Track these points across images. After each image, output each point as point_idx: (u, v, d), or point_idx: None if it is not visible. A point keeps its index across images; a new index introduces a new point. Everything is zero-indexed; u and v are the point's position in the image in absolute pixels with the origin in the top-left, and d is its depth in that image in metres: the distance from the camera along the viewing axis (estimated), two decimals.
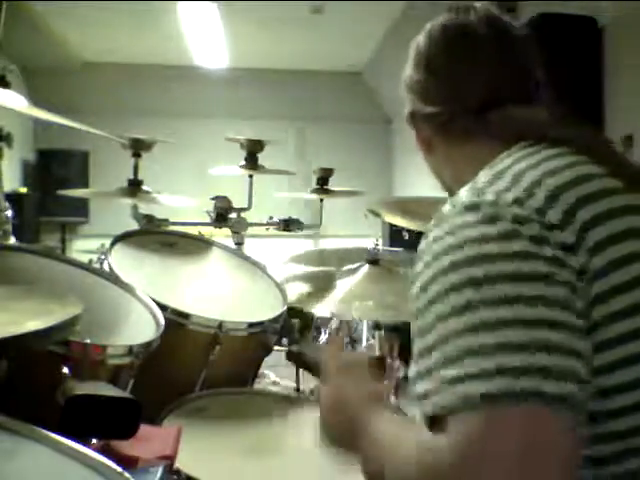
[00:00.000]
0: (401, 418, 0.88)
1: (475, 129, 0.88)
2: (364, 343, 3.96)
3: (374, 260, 1.88)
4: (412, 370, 0.73)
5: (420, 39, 0.95)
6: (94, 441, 0.99)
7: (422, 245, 0.74)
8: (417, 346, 0.71)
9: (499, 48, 0.91)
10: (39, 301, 0.99)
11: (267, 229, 2.47)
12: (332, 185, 2.55)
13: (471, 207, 0.70)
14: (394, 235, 4.76)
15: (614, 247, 0.68)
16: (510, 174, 0.73)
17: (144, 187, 2.01)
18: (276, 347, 1.69)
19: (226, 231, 2.26)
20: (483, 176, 0.76)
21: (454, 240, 0.69)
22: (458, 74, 0.92)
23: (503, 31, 0.92)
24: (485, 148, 0.85)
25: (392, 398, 1.52)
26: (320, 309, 1.75)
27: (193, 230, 2.09)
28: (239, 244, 2.25)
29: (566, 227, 0.67)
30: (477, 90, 0.90)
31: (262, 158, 2.38)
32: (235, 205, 2.26)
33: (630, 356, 0.66)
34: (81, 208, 6.27)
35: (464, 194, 0.74)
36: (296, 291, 1.79)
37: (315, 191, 2.52)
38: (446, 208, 0.74)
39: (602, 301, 0.66)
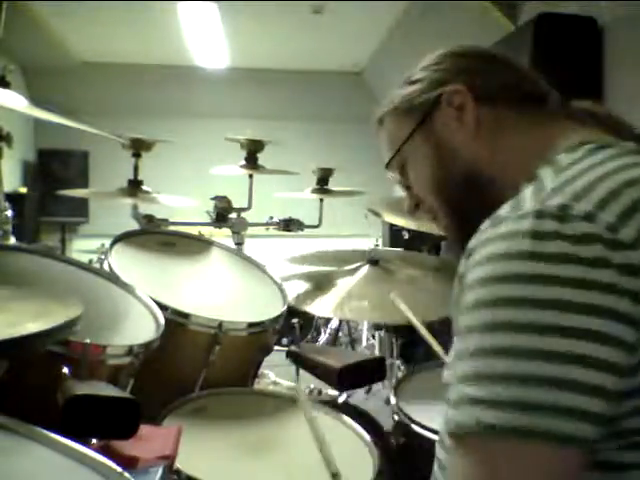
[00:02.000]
0: None
1: (552, 109, 0.85)
2: (364, 343, 3.96)
3: (374, 260, 1.88)
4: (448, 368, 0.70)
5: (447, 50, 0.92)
6: (94, 441, 0.99)
7: (473, 242, 0.69)
8: (456, 346, 0.68)
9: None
10: (39, 302, 0.99)
11: (267, 229, 2.47)
12: (332, 185, 2.55)
13: (530, 215, 0.64)
14: (394, 235, 4.77)
15: None
16: (583, 181, 0.67)
17: (144, 187, 2.01)
18: (276, 347, 1.69)
19: (226, 231, 2.26)
20: (549, 179, 0.70)
21: (503, 248, 0.64)
22: (519, 64, 0.90)
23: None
24: (557, 134, 0.81)
25: (392, 398, 1.52)
26: (319, 309, 1.75)
27: (193, 230, 2.08)
28: (239, 244, 2.25)
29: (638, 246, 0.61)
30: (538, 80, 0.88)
31: (262, 158, 2.38)
32: (235, 205, 2.26)
33: None
34: (81, 208, 6.27)
35: (528, 197, 0.68)
36: (296, 291, 1.79)
37: (315, 191, 2.52)
38: (504, 208, 0.69)
39: None
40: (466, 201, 0.87)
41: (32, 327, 0.85)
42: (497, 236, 0.65)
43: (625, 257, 0.60)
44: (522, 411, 0.58)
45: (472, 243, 0.69)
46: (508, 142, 0.84)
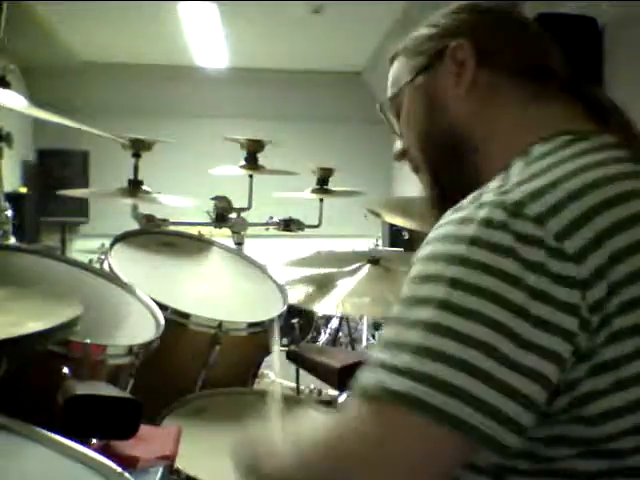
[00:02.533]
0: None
1: (556, 87, 0.80)
2: (364, 343, 3.96)
3: (374, 260, 1.88)
4: None
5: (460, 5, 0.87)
6: (94, 441, 0.99)
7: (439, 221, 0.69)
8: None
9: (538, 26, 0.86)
10: (40, 301, 0.99)
11: (267, 229, 2.47)
12: (332, 185, 2.55)
13: (486, 205, 0.64)
14: (394, 235, 4.77)
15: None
16: (546, 179, 0.66)
17: (144, 187, 2.01)
18: None
19: (226, 231, 2.26)
20: (517, 172, 0.69)
21: (450, 230, 0.65)
22: (530, 31, 0.85)
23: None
24: (555, 114, 0.78)
25: None
26: (321, 307, 1.75)
27: (193, 230, 2.09)
28: (239, 244, 2.25)
29: (582, 261, 0.60)
30: (554, 55, 0.84)
31: (262, 158, 2.38)
32: (235, 205, 2.26)
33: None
34: (81, 208, 6.26)
35: (491, 188, 0.68)
36: (297, 292, 1.79)
37: (315, 191, 2.52)
38: (470, 196, 0.69)
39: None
40: (445, 163, 0.85)
41: (33, 327, 0.85)
42: (450, 221, 0.66)
43: (564, 269, 0.60)
44: (429, 386, 0.59)
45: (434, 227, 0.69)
46: (498, 112, 0.81)
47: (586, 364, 0.61)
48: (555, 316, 0.60)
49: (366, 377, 0.64)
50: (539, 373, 0.59)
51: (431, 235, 0.67)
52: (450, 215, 0.67)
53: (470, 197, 0.68)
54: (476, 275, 0.61)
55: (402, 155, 0.93)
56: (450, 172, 0.84)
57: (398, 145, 0.94)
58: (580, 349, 0.60)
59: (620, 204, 0.64)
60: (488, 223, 0.62)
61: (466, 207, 0.66)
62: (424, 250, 0.67)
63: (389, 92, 0.92)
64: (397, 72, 0.91)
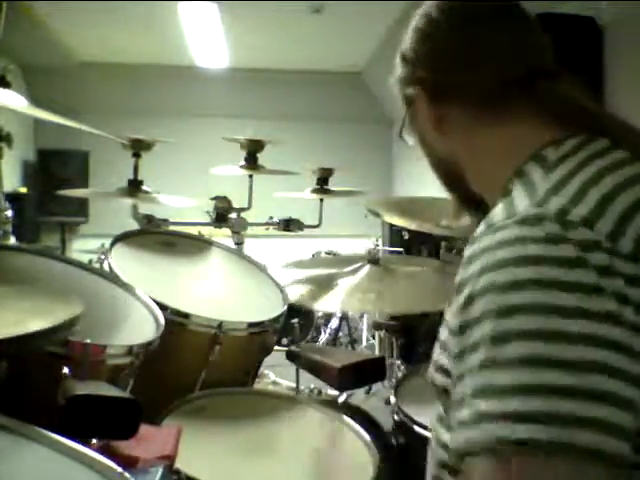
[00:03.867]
0: None
1: (519, 104, 0.76)
2: (364, 343, 3.97)
3: (374, 260, 1.88)
4: (454, 394, 0.64)
5: (427, 11, 0.85)
6: (94, 441, 0.99)
7: (469, 251, 0.65)
8: (457, 367, 0.63)
9: (525, 16, 0.81)
10: (40, 301, 0.99)
11: (267, 229, 2.47)
12: (332, 185, 2.55)
13: (531, 220, 0.61)
14: (394, 235, 4.77)
15: None
16: (576, 183, 0.64)
17: (144, 187, 2.01)
18: (276, 347, 1.69)
19: (226, 231, 2.26)
20: (539, 178, 0.67)
21: (508, 255, 0.60)
22: (498, 34, 0.79)
23: (516, 5, 0.82)
24: (525, 132, 0.75)
25: (392, 398, 1.52)
26: (322, 305, 1.75)
27: (193, 230, 2.09)
28: (239, 244, 2.25)
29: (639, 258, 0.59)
30: (522, 54, 0.78)
31: (262, 158, 2.38)
32: (235, 205, 2.26)
33: None
34: (81, 208, 6.27)
35: (522, 201, 0.65)
36: (298, 292, 1.79)
37: (315, 191, 2.52)
38: (498, 213, 0.66)
39: None
40: (452, 183, 0.88)
41: (33, 325, 0.85)
42: (498, 243, 0.62)
43: (628, 268, 0.59)
44: (546, 424, 0.54)
45: (469, 251, 0.66)
46: (475, 141, 0.80)
47: None
48: (630, 316, 0.57)
49: (466, 436, 0.58)
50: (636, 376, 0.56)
51: (480, 263, 0.62)
52: (489, 237, 0.63)
53: (500, 213, 0.66)
54: (558, 295, 0.57)
55: None
56: (458, 189, 0.87)
57: None
58: None
59: None
60: (546, 239, 0.59)
61: (505, 225, 0.63)
62: (480, 283, 0.61)
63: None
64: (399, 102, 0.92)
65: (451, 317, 0.68)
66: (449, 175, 0.87)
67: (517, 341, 0.57)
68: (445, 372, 0.70)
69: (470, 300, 0.62)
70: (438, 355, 0.73)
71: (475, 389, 0.59)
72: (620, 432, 0.55)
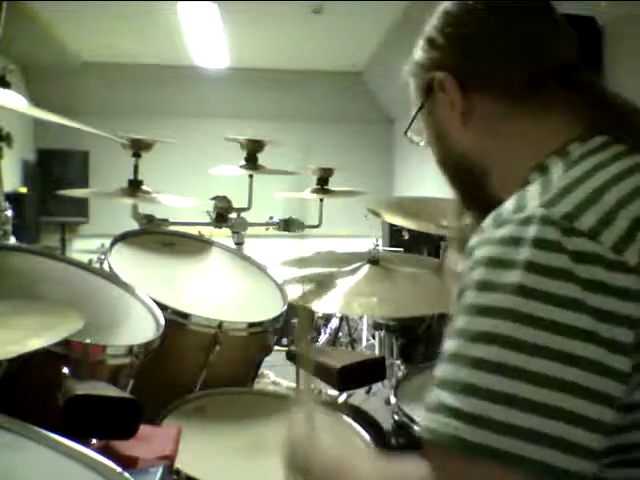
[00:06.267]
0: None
1: (551, 98, 0.75)
2: (364, 343, 3.96)
3: (374, 260, 1.88)
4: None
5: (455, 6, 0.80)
6: (94, 441, 0.99)
7: (472, 242, 0.65)
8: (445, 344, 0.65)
9: (555, 12, 0.80)
10: (39, 316, 0.99)
11: (267, 229, 2.47)
12: (332, 185, 2.55)
13: (534, 220, 0.60)
14: (394, 235, 4.77)
15: None
16: (589, 186, 0.62)
17: (144, 187, 2.01)
18: (276, 347, 1.69)
19: (226, 231, 2.26)
20: (557, 175, 0.66)
21: (499, 254, 0.60)
22: (535, 25, 0.78)
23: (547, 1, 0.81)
24: (555, 126, 0.73)
25: (392, 398, 1.52)
26: (322, 306, 1.75)
27: (193, 230, 2.09)
28: (239, 244, 2.25)
29: None
30: (557, 47, 0.78)
31: (262, 158, 2.38)
32: (235, 205, 2.26)
33: None
34: (81, 208, 6.27)
35: (533, 198, 0.63)
36: (296, 291, 1.79)
37: (315, 191, 2.52)
38: (507, 206, 0.65)
39: None
40: (465, 184, 0.83)
41: (34, 344, 0.85)
42: (497, 239, 0.61)
43: (630, 281, 0.57)
44: (509, 435, 0.55)
45: (473, 241, 0.65)
46: (498, 139, 0.77)
47: None
48: (622, 334, 0.57)
49: (436, 421, 0.59)
50: (605, 394, 0.56)
51: (477, 255, 0.63)
52: (492, 230, 0.63)
53: (509, 206, 0.64)
54: (537, 305, 0.57)
55: None
56: (470, 190, 0.83)
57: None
58: None
59: None
60: (541, 244, 0.58)
61: (509, 220, 0.62)
62: (473, 275, 0.62)
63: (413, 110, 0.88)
64: (412, 93, 0.87)
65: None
66: (461, 174, 0.83)
67: (485, 343, 0.58)
68: None
69: (461, 292, 0.63)
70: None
71: (442, 378, 0.61)
72: (582, 451, 0.55)
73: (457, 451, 0.57)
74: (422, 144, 0.91)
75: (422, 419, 0.62)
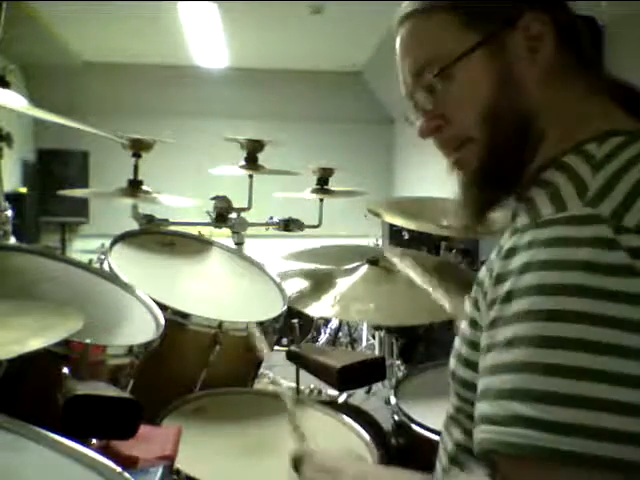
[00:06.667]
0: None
1: (596, 77, 0.73)
2: (364, 343, 3.96)
3: (374, 260, 1.88)
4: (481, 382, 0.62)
5: None
6: (94, 441, 0.99)
7: (510, 243, 0.63)
8: (489, 359, 0.62)
9: None
10: (39, 316, 0.99)
11: (267, 229, 2.46)
12: (332, 185, 2.55)
13: (583, 220, 0.59)
14: (394, 235, 4.76)
15: None
16: (627, 184, 0.61)
17: (144, 187, 2.01)
18: (276, 347, 1.68)
19: (226, 231, 2.26)
20: (586, 171, 0.63)
21: (557, 255, 0.58)
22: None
23: None
24: (600, 107, 0.71)
25: (392, 398, 1.52)
26: (319, 309, 1.75)
27: (193, 230, 2.08)
28: (239, 244, 2.25)
29: None
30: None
31: (262, 158, 2.38)
32: (235, 205, 2.26)
33: None
34: (81, 208, 6.27)
35: (571, 196, 0.61)
36: (295, 288, 1.79)
37: (315, 191, 2.52)
38: (544, 205, 0.62)
39: None
40: (509, 146, 0.73)
41: (34, 344, 0.85)
42: (546, 240, 0.59)
43: None
44: (590, 437, 0.54)
45: (510, 243, 0.63)
46: (565, 100, 0.72)
47: None
48: None
49: (514, 434, 0.57)
50: None
51: (526, 258, 0.60)
52: (534, 231, 0.61)
53: (545, 206, 0.62)
54: (602, 305, 0.56)
55: (434, 130, 0.77)
56: (509, 157, 0.73)
57: (426, 122, 0.77)
58: None
59: None
60: (597, 243, 0.57)
61: (555, 221, 0.60)
62: (525, 279, 0.59)
63: (418, 59, 0.76)
64: (437, 35, 0.73)
65: (473, 309, 0.67)
66: (517, 135, 0.72)
67: (557, 348, 0.56)
68: (468, 364, 0.69)
69: (509, 296, 0.60)
70: (460, 347, 0.72)
71: (513, 389, 0.58)
72: None
73: (544, 461, 0.55)
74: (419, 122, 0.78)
75: (487, 434, 0.59)
